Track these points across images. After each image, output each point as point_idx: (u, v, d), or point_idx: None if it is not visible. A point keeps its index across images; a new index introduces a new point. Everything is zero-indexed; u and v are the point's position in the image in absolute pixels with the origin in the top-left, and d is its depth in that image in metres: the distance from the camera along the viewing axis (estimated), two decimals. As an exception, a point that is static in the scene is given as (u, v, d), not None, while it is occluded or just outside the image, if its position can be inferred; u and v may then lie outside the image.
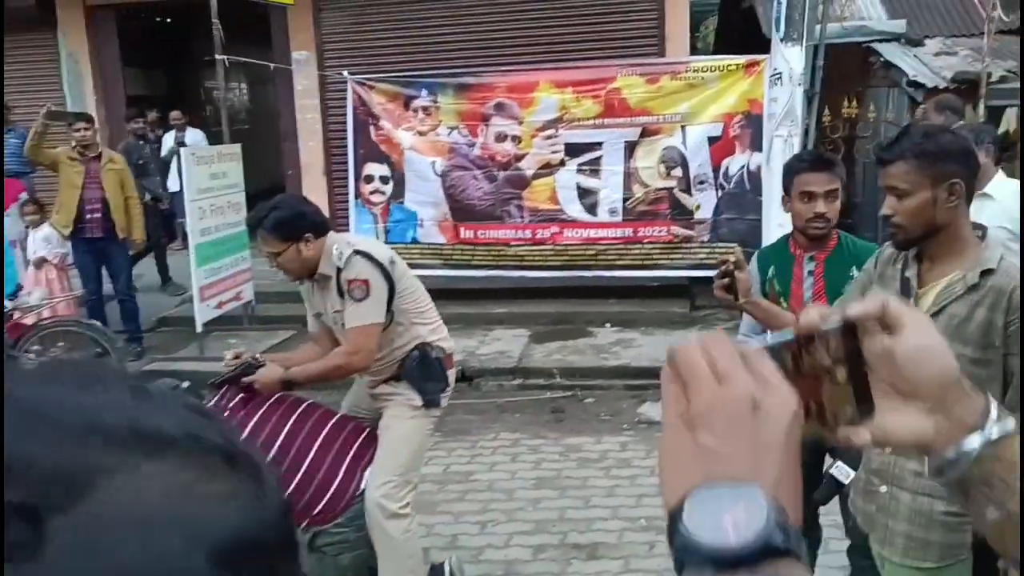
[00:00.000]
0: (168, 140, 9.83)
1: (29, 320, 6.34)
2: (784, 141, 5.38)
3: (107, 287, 7.06)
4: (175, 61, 12.59)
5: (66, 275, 7.17)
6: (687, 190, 7.14)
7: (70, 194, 6.71)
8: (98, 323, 6.55)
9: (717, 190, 7.05)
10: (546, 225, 7.41)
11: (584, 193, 7.33)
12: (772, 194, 5.51)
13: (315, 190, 8.86)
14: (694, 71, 7.10)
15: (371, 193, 7.77)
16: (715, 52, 13.16)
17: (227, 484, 0.40)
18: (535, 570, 3.79)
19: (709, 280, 7.39)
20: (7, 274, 5.84)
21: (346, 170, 7.98)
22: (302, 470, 3.00)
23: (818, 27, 6.45)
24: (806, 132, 6.49)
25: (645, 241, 7.25)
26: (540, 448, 5.17)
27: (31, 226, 7.08)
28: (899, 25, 8.71)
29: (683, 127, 7.10)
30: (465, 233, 7.53)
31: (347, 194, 7.92)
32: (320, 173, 9.00)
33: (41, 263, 6.96)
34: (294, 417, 3.09)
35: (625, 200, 7.24)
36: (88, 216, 6.73)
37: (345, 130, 7.94)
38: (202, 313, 6.70)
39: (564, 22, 8.52)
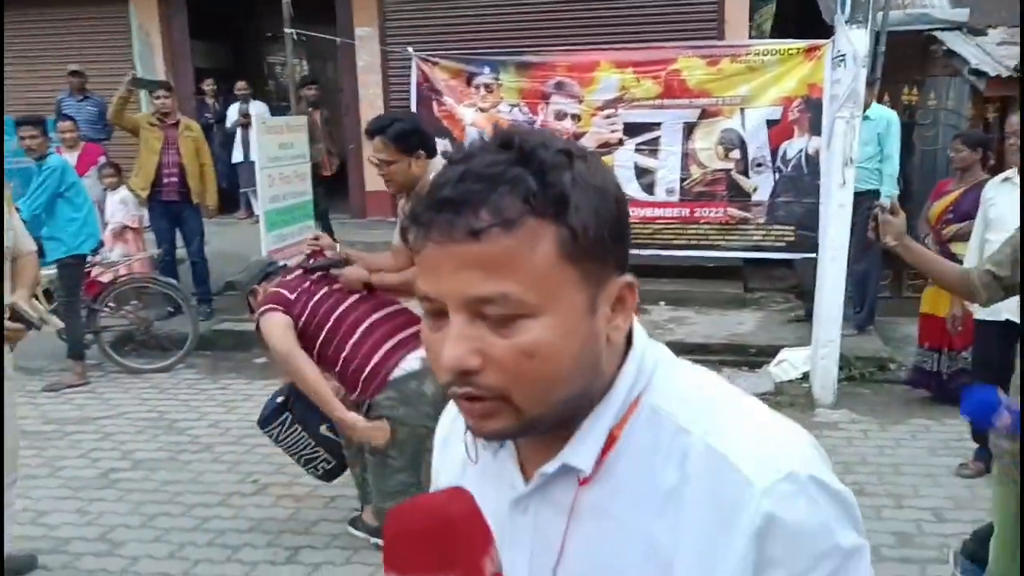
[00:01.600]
0: (232, 112, 10.05)
1: (106, 278, 6.62)
2: (846, 123, 5.43)
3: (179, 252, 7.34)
4: (239, 35, 12.83)
5: (141, 237, 7.47)
6: (745, 172, 7.21)
7: (149, 159, 6.98)
8: (173, 281, 6.81)
9: (775, 173, 7.11)
10: (603, 203, 7.53)
11: (642, 172, 7.43)
12: (831, 176, 5.57)
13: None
14: (755, 54, 7.16)
15: (432, 168, 7.93)
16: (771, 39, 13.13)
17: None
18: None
19: (763, 262, 7.48)
20: (90, 231, 6.09)
21: (406, 144, 8.15)
22: (360, 343, 3.26)
23: (880, 14, 6.49)
24: (865, 118, 6.52)
25: (701, 222, 7.34)
26: (597, 415, 5.31)
27: (109, 189, 7.37)
28: (962, 14, 8.67)
29: (742, 110, 7.17)
30: (523, 209, 7.67)
31: (407, 168, 8.09)
32: (381, 147, 9.19)
33: (118, 224, 7.27)
34: (357, 296, 3.41)
35: (683, 180, 7.33)
36: (165, 180, 6.99)
37: (405, 104, 8.10)
38: (270, 278, 6.91)
39: (625, 3, 8.62)
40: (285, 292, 3.36)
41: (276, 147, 7.06)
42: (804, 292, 6.87)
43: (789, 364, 5.78)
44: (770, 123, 7.08)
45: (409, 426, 3.15)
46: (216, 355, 6.71)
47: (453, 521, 0.74)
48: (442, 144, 7.87)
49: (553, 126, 7.53)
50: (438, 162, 3.38)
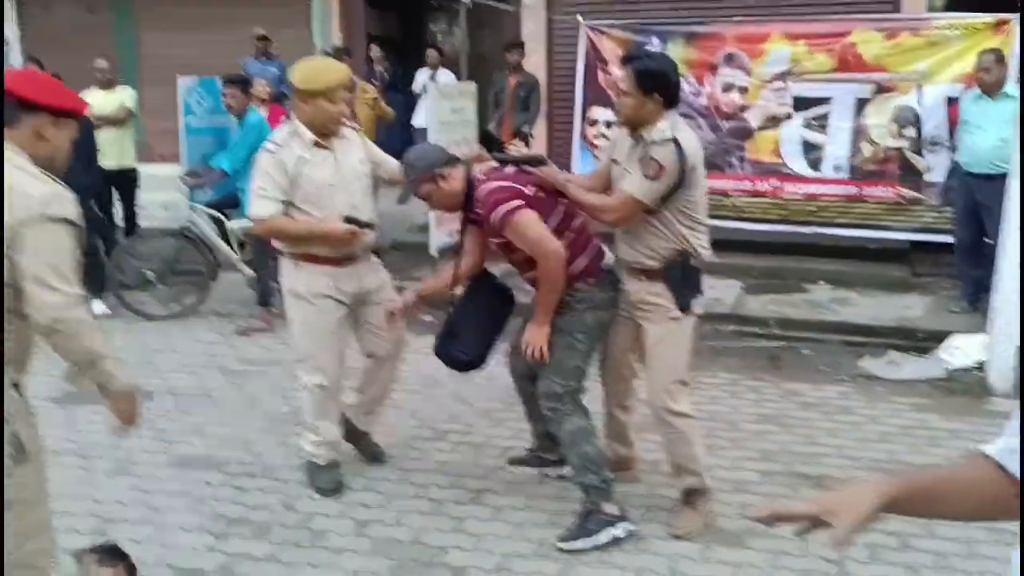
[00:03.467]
0: (421, 76, 10.28)
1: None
2: (1036, 101, 5.22)
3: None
4: (405, 4, 13.20)
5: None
6: (918, 151, 7.01)
7: (328, 119, 7.35)
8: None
9: (952, 153, 6.88)
10: (767, 177, 7.47)
11: (809, 148, 7.33)
12: (1018, 155, 5.35)
13: (535, 131, 9.23)
14: (936, 28, 6.93)
15: (594, 136, 8.05)
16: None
17: None
18: (765, 491, 3.99)
19: (932, 245, 7.22)
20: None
21: (567, 112, 8.31)
22: (576, 241, 3.47)
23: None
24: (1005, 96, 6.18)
25: (870, 200, 7.18)
26: (760, 389, 5.33)
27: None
28: None
29: (920, 86, 6.96)
30: (685, 181, 7.68)
31: (567, 135, 8.26)
32: (541, 115, 9.33)
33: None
34: (563, 198, 3.54)
35: (851, 157, 7.19)
36: (342, 141, 7.35)
37: (568, 74, 8.21)
38: (436, 239, 7.21)
39: (798, -25, 8.43)
40: (522, 188, 3.39)
41: (448, 112, 7.33)
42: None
43: (962, 352, 5.62)
44: (950, 101, 6.84)
45: (600, 310, 3.51)
46: (385, 310, 7.03)
47: None
48: (604, 114, 8.00)
49: (719, 98, 7.52)
50: (675, 118, 3.41)
